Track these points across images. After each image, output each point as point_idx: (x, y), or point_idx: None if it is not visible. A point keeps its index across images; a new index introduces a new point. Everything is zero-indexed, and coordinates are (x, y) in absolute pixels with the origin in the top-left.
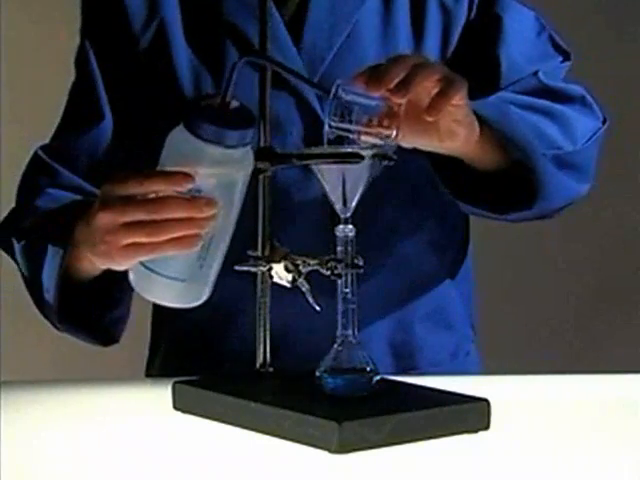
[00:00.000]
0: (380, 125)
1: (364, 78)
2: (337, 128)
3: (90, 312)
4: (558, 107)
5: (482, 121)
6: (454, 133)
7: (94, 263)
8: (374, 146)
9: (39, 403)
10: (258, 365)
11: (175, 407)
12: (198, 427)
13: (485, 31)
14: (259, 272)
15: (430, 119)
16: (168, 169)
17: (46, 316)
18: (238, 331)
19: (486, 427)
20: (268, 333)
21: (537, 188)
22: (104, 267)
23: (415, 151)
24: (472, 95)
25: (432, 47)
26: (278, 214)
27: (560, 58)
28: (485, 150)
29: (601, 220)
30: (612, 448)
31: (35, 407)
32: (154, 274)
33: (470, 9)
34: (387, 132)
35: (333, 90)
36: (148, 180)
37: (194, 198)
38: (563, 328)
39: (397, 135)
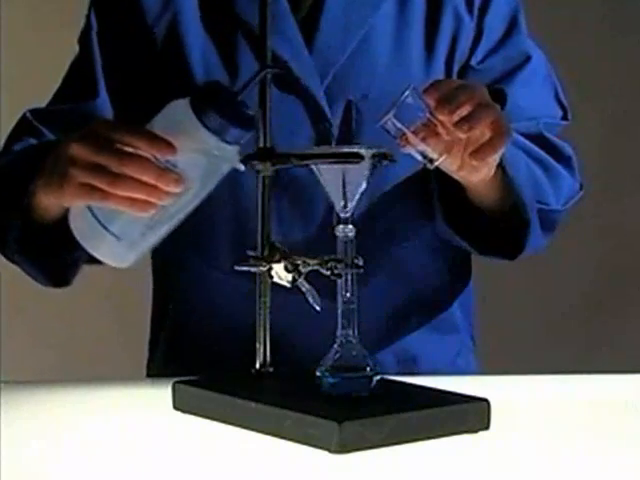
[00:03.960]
0: (425, 140)
1: (434, 97)
2: (393, 125)
3: (48, 249)
4: (554, 163)
5: (500, 161)
6: (476, 170)
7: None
8: (374, 146)
9: (39, 403)
10: (258, 365)
11: (175, 407)
12: (198, 427)
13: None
14: (259, 272)
15: (475, 163)
16: (156, 132)
17: (2, 245)
18: (238, 331)
19: (486, 427)
20: (268, 333)
21: (523, 238)
22: (50, 201)
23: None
24: None
25: (441, 55)
26: (278, 214)
27: (560, 113)
28: (492, 188)
29: (601, 220)
30: (612, 448)
31: (35, 407)
32: (97, 223)
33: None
34: (432, 154)
35: (407, 92)
36: (135, 135)
37: (166, 170)
38: (564, 328)
39: (438, 161)
